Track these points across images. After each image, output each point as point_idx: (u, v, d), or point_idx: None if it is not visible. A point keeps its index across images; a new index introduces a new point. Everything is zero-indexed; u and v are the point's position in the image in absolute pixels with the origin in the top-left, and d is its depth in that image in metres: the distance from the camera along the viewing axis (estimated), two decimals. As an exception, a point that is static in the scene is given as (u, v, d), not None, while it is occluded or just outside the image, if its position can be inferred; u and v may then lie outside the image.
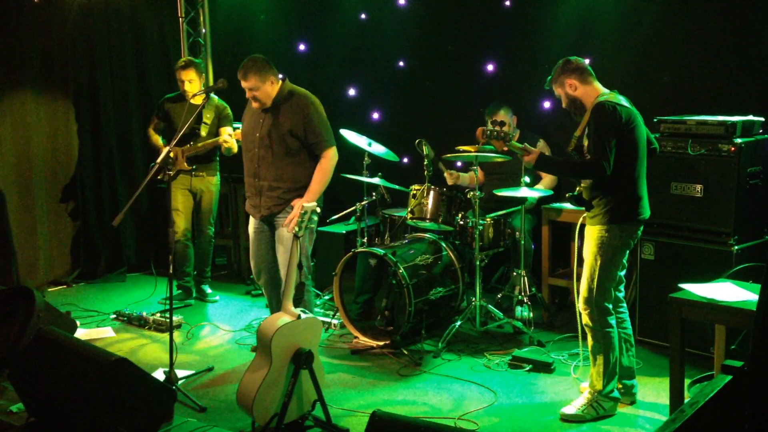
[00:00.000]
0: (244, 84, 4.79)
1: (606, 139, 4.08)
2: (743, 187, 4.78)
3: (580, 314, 4.34)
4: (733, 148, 4.74)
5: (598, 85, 4.28)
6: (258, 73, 4.75)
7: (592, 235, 4.24)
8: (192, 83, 6.23)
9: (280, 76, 4.91)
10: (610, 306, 4.26)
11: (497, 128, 4.47)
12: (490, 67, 6.57)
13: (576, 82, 4.26)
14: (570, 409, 4.30)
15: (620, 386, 4.39)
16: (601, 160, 4.08)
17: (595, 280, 4.20)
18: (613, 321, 4.26)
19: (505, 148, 4.58)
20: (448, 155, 5.65)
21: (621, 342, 4.35)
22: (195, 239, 6.52)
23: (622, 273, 4.36)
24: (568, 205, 5.55)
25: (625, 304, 4.45)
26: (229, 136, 6.02)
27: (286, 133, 4.78)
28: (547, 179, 6.06)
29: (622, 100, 4.21)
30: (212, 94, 6.19)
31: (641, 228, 4.30)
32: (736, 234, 4.80)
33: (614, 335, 4.25)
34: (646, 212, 4.27)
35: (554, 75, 4.35)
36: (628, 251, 4.29)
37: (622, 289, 4.43)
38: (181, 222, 6.33)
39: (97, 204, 7.31)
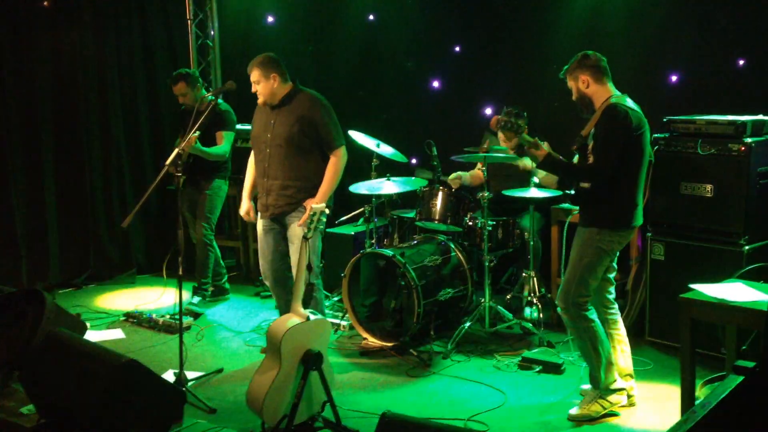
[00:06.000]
0: (251, 77, 4.90)
1: (613, 145, 4.04)
2: (753, 187, 4.76)
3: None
4: (743, 148, 4.71)
5: (611, 86, 4.20)
6: (261, 67, 4.84)
7: (583, 235, 4.21)
8: (186, 96, 6.20)
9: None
10: (587, 300, 4.21)
11: (511, 119, 4.35)
12: (497, 68, 6.56)
13: (589, 79, 4.17)
14: (577, 410, 4.29)
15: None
16: (604, 166, 4.05)
17: (577, 277, 4.17)
18: (593, 315, 4.22)
19: (514, 140, 4.48)
20: (456, 156, 5.64)
21: (614, 343, 4.32)
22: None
23: (612, 275, 4.35)
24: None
25: (616, 306, 4.43)
26: (188, 142, 5.05)
27: (298, 133, 4.82)
28: (546, 178, 5.99)
29: (632, 105, 4.14)
30: (219, 99, 6.02)
31: (632, 233, 4.27)
32: (747, 234, 4.77)
33: (597, 327, 4.22)
34: (639, 220, 4.24)
35: (570, 66, 4.25)
36: (615, 255, 4.27)
37: (613, 291, 4.41)
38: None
39: (106, 206, 7.32)
